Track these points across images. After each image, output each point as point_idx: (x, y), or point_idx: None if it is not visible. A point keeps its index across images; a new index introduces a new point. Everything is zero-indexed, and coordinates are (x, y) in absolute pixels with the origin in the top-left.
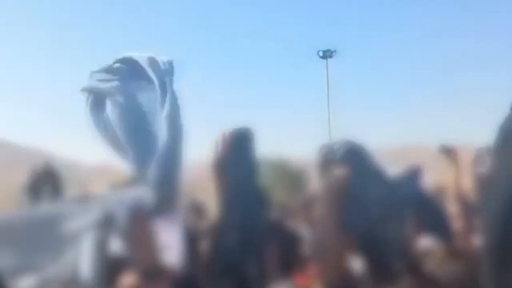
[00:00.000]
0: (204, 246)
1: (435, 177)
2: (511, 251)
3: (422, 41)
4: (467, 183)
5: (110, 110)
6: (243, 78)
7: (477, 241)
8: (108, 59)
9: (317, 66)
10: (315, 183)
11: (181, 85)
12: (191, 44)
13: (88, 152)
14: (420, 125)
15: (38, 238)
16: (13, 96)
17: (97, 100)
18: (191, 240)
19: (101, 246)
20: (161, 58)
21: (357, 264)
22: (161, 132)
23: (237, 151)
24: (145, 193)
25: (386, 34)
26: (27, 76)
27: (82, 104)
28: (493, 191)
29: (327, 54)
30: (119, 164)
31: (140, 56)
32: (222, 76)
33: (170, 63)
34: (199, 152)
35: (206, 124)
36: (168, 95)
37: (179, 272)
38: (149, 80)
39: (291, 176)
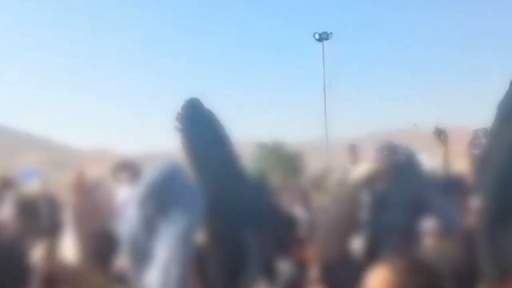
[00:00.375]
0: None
1: (429, 159)
2: (506, 222)
3: (420, 23)
4: (458, 164)
5: None
6: (239, 61)
7: (471, 221)
8: None
9: (313, 48)
10: (314, 165)
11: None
12: (187, 36)
13: (83, 138)
14: (417, 108)
15: None
16: (13, 82)
17: None
18: None
19: None
20: None
21: (356, 243)
22: None
23: (191, 123)
24: None
25: (383, 15)
26: (26, 61)
27: (79, 91)
28: (491, 164)
29: (323, 37)
30: (113, 150)
31: None
32: (217, 59)
33: None
34: None
35: None
36: None
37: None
38: None
39: (287, 159)
